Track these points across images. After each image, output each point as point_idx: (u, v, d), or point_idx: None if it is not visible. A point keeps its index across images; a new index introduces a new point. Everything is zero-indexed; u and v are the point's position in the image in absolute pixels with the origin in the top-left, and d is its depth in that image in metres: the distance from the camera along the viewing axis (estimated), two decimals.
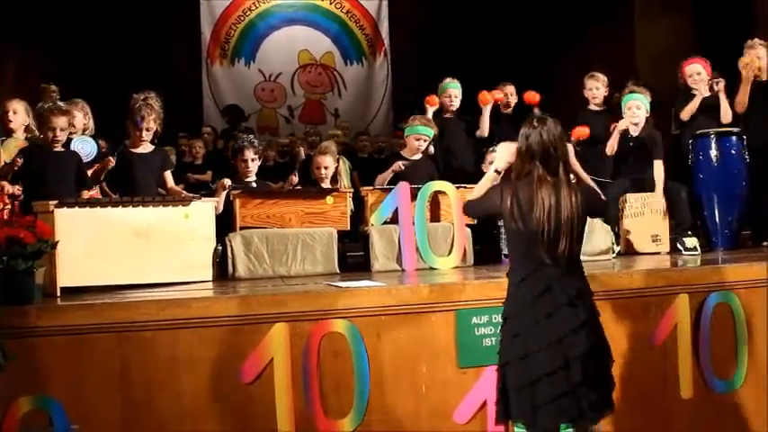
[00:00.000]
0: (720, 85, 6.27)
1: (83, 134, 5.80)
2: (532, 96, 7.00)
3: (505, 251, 5.52)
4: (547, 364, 3.46)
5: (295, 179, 6.00)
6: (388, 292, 4.34)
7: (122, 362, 3.88)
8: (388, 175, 6.07)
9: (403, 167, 6.05)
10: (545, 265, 3.50)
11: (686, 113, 6.41)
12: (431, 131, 6.26)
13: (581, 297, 3.54)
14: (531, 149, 3.55)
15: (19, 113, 5.71)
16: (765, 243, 6.19)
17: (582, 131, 6.43)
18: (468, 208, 3.92)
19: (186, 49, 10.83)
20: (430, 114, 6.62)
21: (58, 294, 4.34)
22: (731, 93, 6.36)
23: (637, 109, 6.09)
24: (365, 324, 4.23)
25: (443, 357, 4.36)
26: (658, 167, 5.97)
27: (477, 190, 3.81)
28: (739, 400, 4.70)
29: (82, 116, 5.89)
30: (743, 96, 6.27)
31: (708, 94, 6.44)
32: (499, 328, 3.73)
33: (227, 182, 5.50)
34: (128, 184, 5.29)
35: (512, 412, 3.57)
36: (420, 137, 6.23)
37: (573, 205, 3.49)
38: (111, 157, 5.34)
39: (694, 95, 6.44)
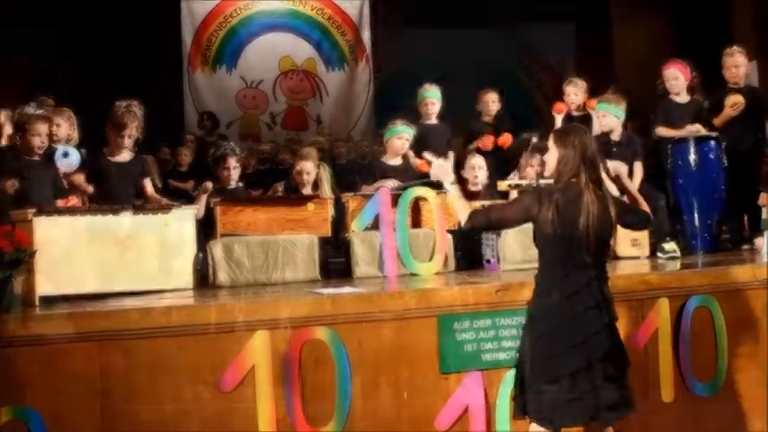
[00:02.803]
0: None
1: (67, 144, 5.75)
2: (505, 139, 7.04)
3: (487, 257, 5.53)
4: (570, 364, 3.59)
5: (280, 188, 6.00)
6: (370, 299, 4.35)
7: (102, 370, 3.85)
8: (373, 189, 6.06)
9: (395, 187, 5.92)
10: (578, 269, 3.64)
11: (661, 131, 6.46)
12: (411, 129, 6.30)
13: (606, 301, 3.69)
14: (575, 158, 3.69)
15: (5, 125, 5.67)
16: (745, 246, 6.23)
17: (562, 106, 6.56)
18: (481, 216, 3.91)
19: (167, 57, 10.79)
20: None
21: (37, 304, 4.30)
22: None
23: (603, 117, 6.16)
24: (346, 331, 4.22)
25: (425, 363, 4.35)
26: (637, 168, 6.03)
27: (459, 209, 3.93)
28: (720, 404, 4.73)
29: (68, 126, 5.83)
30: (720, 121, 6.34)
31: (685, 100, 6.48)
32: (523, 327, 3.87)
33: (209, 185, 5.48)
34: (105, 191, 5.26)
35: (528, 410, 3.70)
36: (402, 136, 6.26)
37: (608, 213, 3.65)
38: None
39: (673, 101, 6.47)
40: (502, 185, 5.92)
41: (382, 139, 6.72)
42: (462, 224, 3.98)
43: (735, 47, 6.56)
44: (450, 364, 4.41)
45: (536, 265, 3.86)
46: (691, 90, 6.53)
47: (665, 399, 4.64)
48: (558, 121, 6.68)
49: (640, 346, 4.64)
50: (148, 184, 5.47)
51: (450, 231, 5.53)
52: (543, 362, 3.62)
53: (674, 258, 5.65)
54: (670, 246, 5.76)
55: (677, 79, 6.47)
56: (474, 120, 7.36)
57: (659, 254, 5.78)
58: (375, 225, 5.45)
